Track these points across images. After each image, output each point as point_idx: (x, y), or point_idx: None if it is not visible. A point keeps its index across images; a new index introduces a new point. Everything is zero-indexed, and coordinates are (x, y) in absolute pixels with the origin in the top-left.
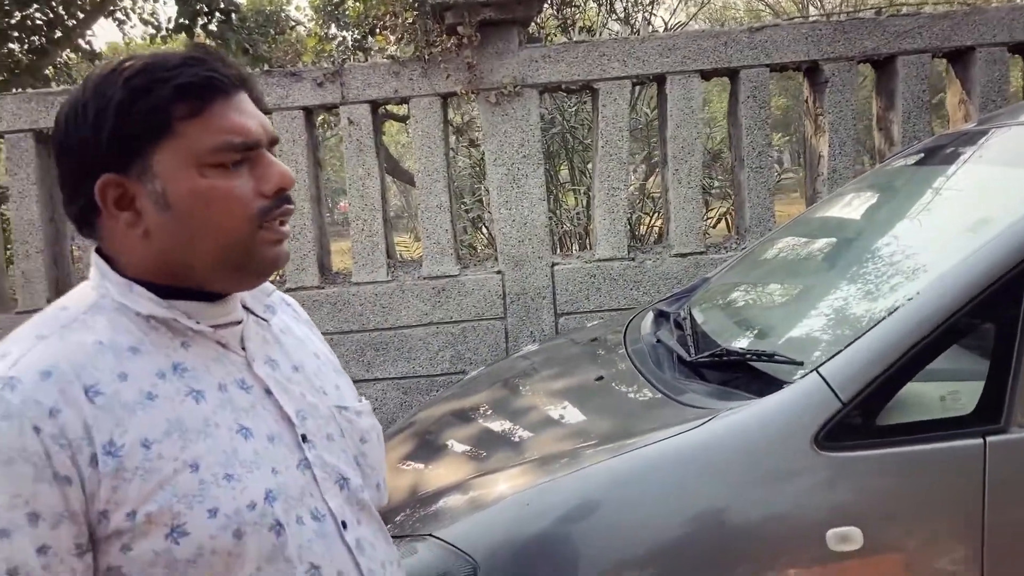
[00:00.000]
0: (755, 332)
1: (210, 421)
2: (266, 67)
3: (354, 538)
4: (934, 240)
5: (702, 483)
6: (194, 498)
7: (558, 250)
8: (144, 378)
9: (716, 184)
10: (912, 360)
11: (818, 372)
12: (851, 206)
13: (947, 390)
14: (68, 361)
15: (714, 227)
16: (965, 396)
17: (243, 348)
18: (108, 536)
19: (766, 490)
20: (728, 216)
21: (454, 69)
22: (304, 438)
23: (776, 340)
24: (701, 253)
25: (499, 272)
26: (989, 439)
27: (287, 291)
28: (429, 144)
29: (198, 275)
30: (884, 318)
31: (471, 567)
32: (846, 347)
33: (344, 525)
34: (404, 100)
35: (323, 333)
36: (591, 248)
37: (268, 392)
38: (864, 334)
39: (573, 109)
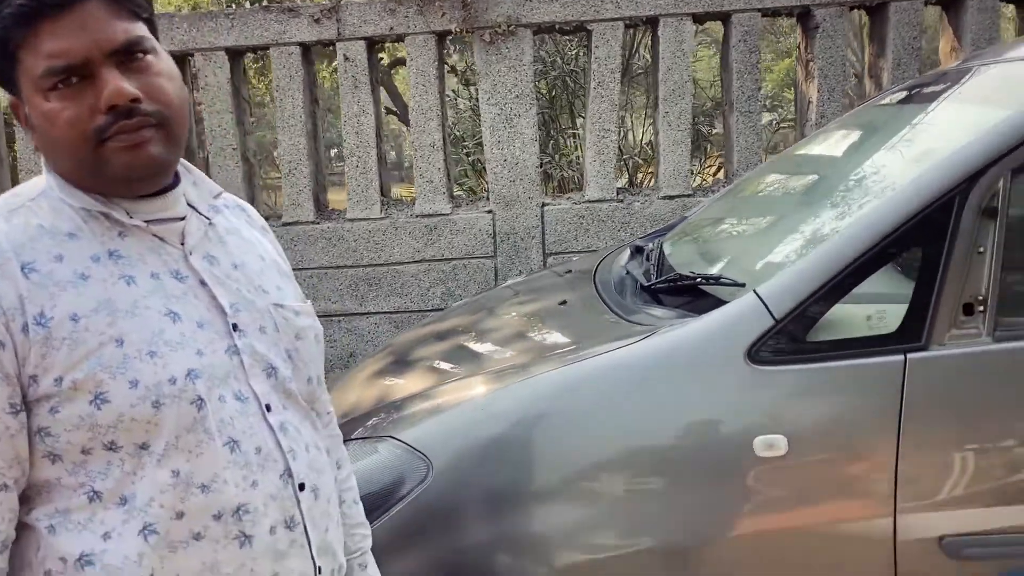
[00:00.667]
0: (713, 261)
1: (139, 304)
2: (264, 3)
3: (278, 420)
4: (892, 174)
5: (639, 393)
6: (117, 369)
7: (553, 193)
8: (79, 260)
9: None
10: (842, 282)
11: (755, 292)
12: (829, 144)
13: (874, 310)
14: (9, 240)
15: (714, 175)
16: (890, 316)
17: (183, 243)
18: (38, 399)
19: (700, 399)
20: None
21: (449, 7)
22: (235, 327)
23: (729, 268)
24: (689, 195)
25: (490, 211)
26: (910, 356)
27: (283, 225)
28: (424, 82)
29: (77, 183)
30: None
31: (425, 465)
32: (783, 269)
33: (268, 408)
34: (399, 38)
35: (318, 267)
36: (582, 190)
37: (203, 283)
38: (800, 258)
39: (573, 53)
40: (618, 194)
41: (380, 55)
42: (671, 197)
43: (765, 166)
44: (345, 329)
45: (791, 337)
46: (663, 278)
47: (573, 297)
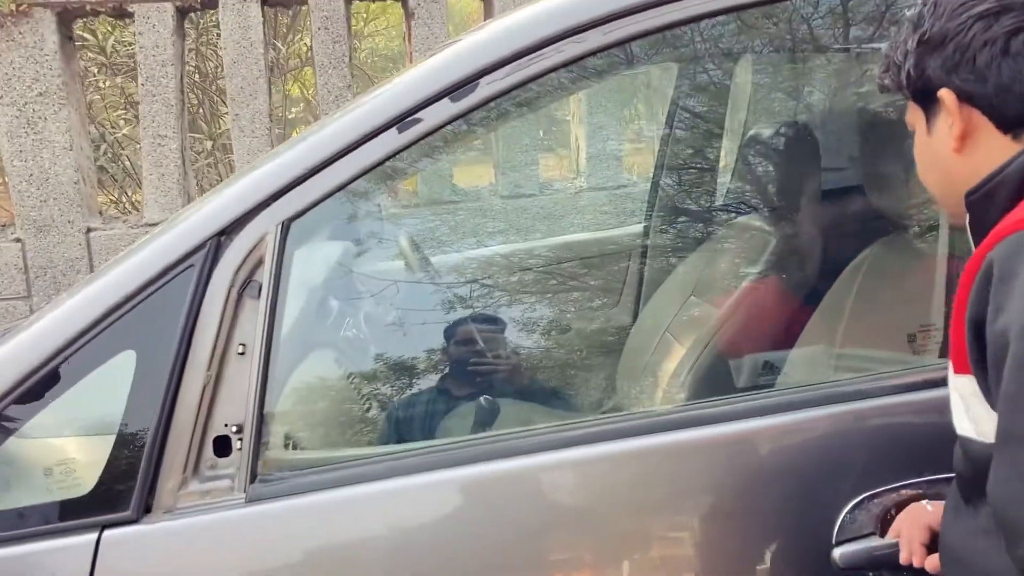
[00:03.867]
0: None
1: None
2: None
3: None
4: None
5: None
6: None
7: (103, 210)
8: None
9: None
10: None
11: None
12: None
13: (64, 458)
14: None
15: None
16: (88, 467)
17: None
18: None
19: None
20: None
21: None
22: None
23: None
24: None
25: (18, 240)
26: (107, 534)
27: None
28: None
29: None
30: None
31: None
32: None
33: None
34: None
35: None
36: (140, 210)
37: None
38: None
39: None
40: None
41: None
42: None
43: None
44: None
45: None
46: None
47: None
